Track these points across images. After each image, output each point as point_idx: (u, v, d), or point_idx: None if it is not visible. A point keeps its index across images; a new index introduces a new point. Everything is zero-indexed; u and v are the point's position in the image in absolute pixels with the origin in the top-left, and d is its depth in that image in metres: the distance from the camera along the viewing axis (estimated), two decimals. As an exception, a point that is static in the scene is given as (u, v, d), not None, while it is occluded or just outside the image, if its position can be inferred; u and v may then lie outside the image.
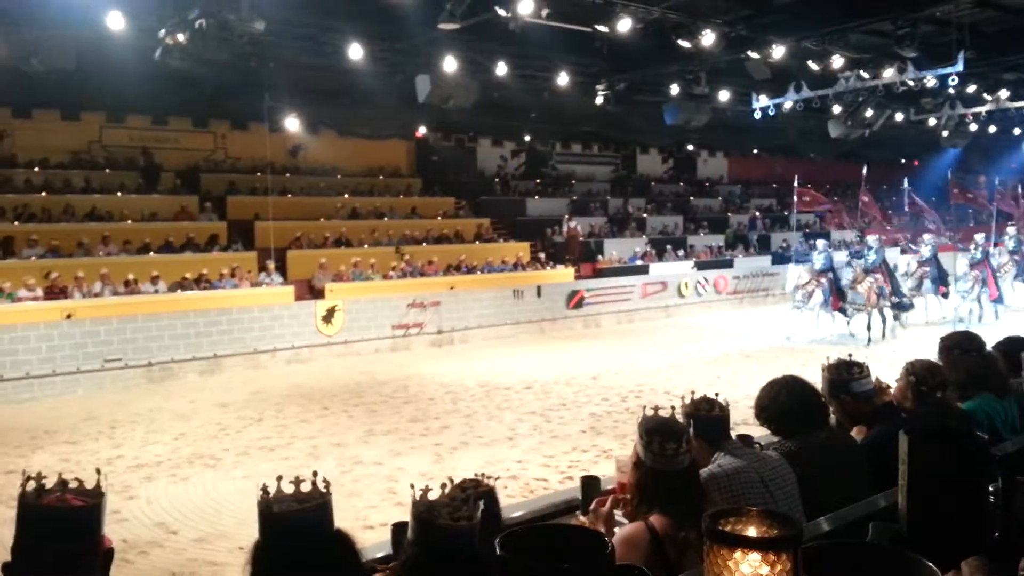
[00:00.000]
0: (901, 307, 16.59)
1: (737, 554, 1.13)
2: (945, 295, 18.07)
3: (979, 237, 19.41)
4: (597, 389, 12.08)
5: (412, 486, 2.06)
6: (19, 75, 12.22)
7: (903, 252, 24.97)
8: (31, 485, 1.91)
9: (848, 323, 16.34)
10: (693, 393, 3.11)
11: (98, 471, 1.98)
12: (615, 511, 3.06)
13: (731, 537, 1.14)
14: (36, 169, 18.28)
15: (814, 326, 16.42)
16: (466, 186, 24.36)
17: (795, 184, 21.67)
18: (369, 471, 8.35)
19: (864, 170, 25.25)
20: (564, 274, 20.42)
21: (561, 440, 9.40)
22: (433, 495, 2.06)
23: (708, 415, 3.02)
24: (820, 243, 18.12)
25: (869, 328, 15.74)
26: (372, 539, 2.24)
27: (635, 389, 12.01)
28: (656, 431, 2.55)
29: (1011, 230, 21.29)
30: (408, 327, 16.67)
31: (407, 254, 19.06)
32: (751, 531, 1.15)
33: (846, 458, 3.40)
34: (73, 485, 1.93)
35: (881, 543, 1.46)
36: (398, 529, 2.46)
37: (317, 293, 16.50)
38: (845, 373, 3.82)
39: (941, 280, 18.11)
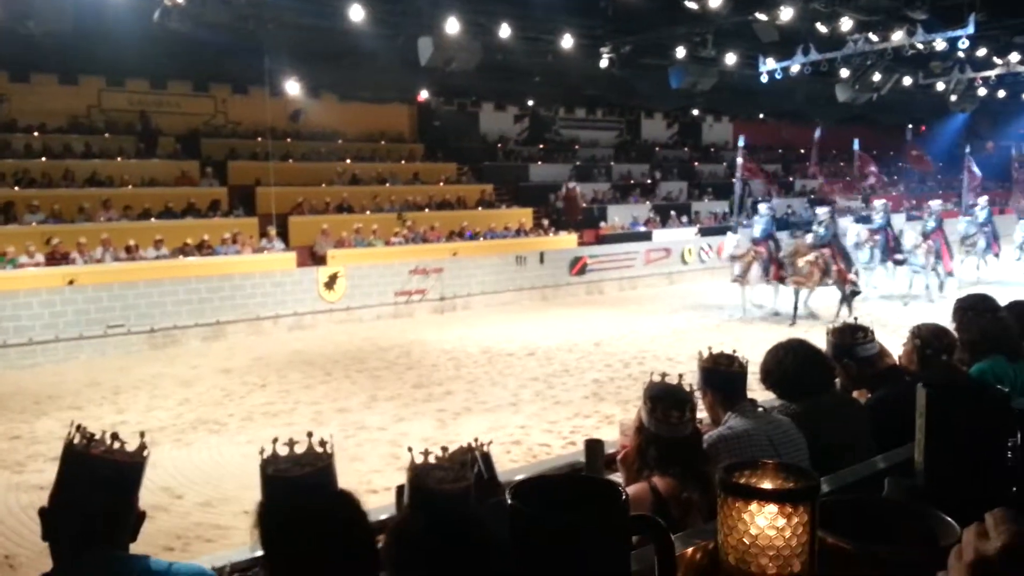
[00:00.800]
0: (853, 293, 14.84)
1: (753, 506, 1.08)
2: (898, 262, 16.85)
3: (934, 204, 18.19)
4: (600, 355, 12.07)
5: (410, 449, 2.04)
6: (16, 38, 12.06)
7: (909, 220, 24.66)
8: (79, 436, 1.91)
9: (776, 297, 15.18)
10: (711, 348, 3.07)
11: (142, 434, 1.98)
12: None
13: (746, 489, 1.10)
14: (35, 134, 18.15)
15: (754, 300, 15.37)
16: (468, 151, 24.18)
17: (740, 144, 19.71)
18: (373, 436, 8.37)
19: (857, 141, 24.59)
20: (567, 240, 20.34)
21: (564, 406, 9.40)
22: (433, 460, 2.04)
23: (727, 370, 2.98)
24: (763, 207, 16.14)
25: (795, 307, 14.49)
26: (376, 503, 2.22)
27: (637, 355, 12.00)
28: (661, 398, 2.51)
29: (981, 200, 19.97)
30: (410, 294, 16.65)
31: (409, 220, 18.97)
32: (767, 484, 1.11)
33: (850, 421, 3.38)
34: (117, 445, 1.93)
35: (898, 498, 1.42)
36: (400, 491, 2.45)
37: (319, 259, 16.45)
38: (850, 337, 3.78)
39: (895, 249, 16.90)
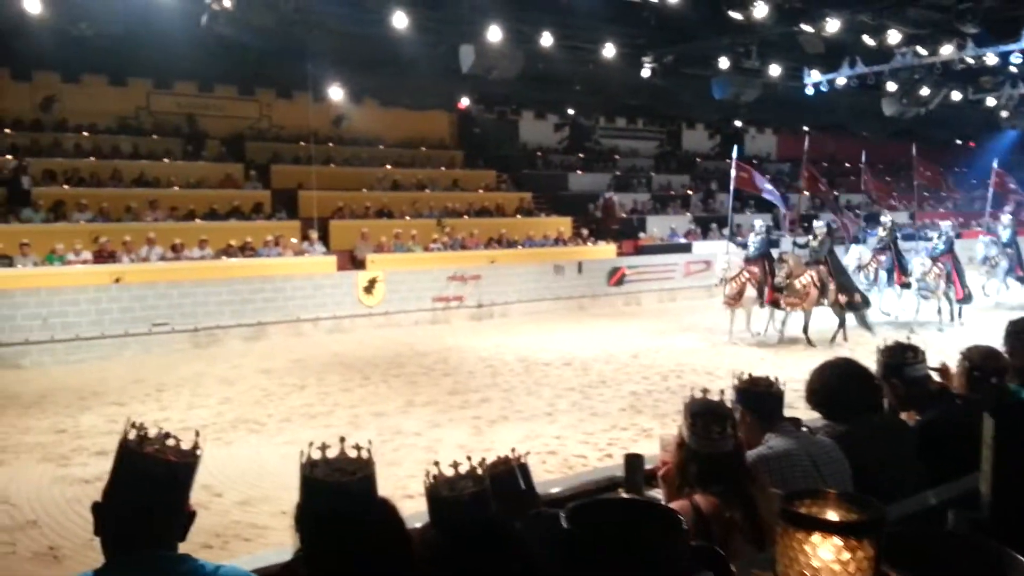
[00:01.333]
0: (852, 307, 13.82)
1: (815, 538, 1.06)
2: (905, 285, 15.72)
3: (945, 224, 16.62)
4: (637, 367, 11.99)
5: (426, 473, 2.05)
6: (68, 39, 12.37)
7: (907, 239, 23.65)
8: (133, 432, 1.94)
9: (770, 321, 14.21)
10: (750, 374, 3.04)
11: (196, 433, 2.02)
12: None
13: (809, 520, 1.07)
14: (85, 134, 18.60)
15: (747, 324, 14.30)
16: (508, 159, 24.24)
17: (734, 157, 18.31)
18: (409, 441, 8.40)
19: (864, 153, 23.55)
20: (605, 250, 20.26)
21: (600, 417, 9.35)
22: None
23: (765, 391, 2.95)
24: (758, 223, 15.10)
25: (805, 331, 13.45)
26: (411, 508, 2.23)
27: (675, 368, 11.89)
28: (701, 413, 2.50)
29: (1005, 218, 18.84)
30: (448, 300, 16.71)
31: (448, 227, 19.05)
32: (830, 514, 1.09)
33: (898, 443, 3.31)
34: (170, 443, 1.96)
35: (964, 532, 1.39)
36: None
37: (358, 263, 16.60)
38: (900, 357, 3.71)
39: (901, 270, 15.73)
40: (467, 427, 8.95)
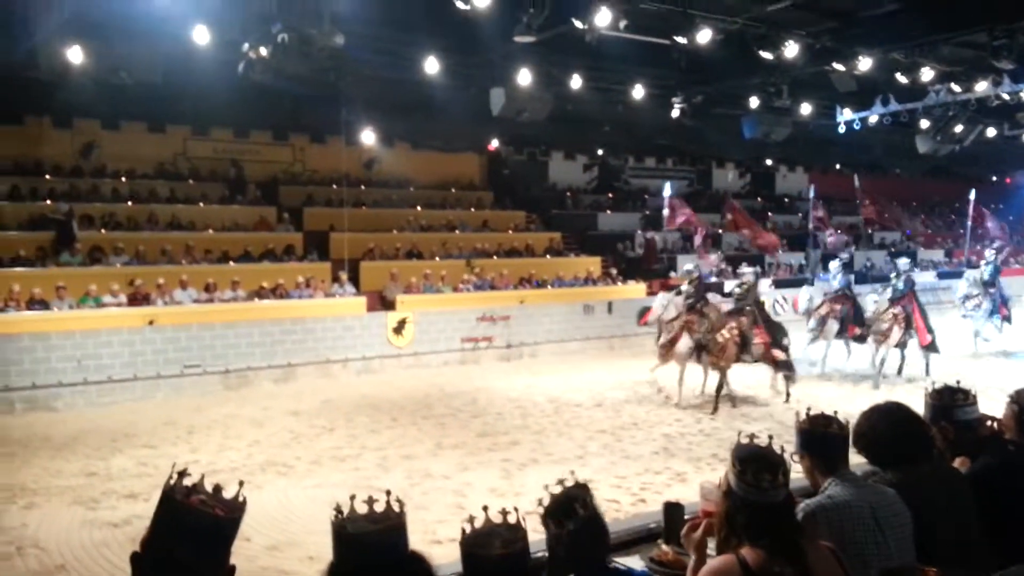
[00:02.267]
0: (780, 365, 12.45)
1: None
2: (858, 339, 14.16)
3: (902, 263, 14.83)
4: (669, 409, 11.79)
5: (462, 529, 2.14)
6: (109, 87, 12.64)
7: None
8: (181, 482, 1.87)
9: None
10: (809, 409, 2.92)
11: (240, 484, 1.94)
12: (708, 540, 2.89)
13: None
14: (123, 179, 18.96)
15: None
16: (537, 200, 24.30)
17: (666, 195, 17.64)
18: (438, 485, 8.28)
19: (857, 180, 22.73)
20: (635, 290, 20.11)
21: (633, 461, 9.16)
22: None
23: (824, 432, 2.82)
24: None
25: (718, 391, 11.98)
26: (440, 554, 2.17)
27: (709, 411, 11.66)
28: (751, 460, 2.37)
29: (989, 254, 17.60)
30: (477, 340, 16.64)
31: (478, 267, 19.06)
32: None
33: (952, 492, 3.16)
34: (218, 495, 1.89)
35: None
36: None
37: (388, 304, 16.62)
38: (949, 399, 3.58)
39: (855, 320, 14.12)
40: (497, 470, 8.81)
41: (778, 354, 12.24)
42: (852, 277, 15.45)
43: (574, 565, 2.41)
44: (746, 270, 13.50)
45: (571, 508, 2.39)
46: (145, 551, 1.85)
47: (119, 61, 12.07)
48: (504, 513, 2.20)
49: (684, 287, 12.78)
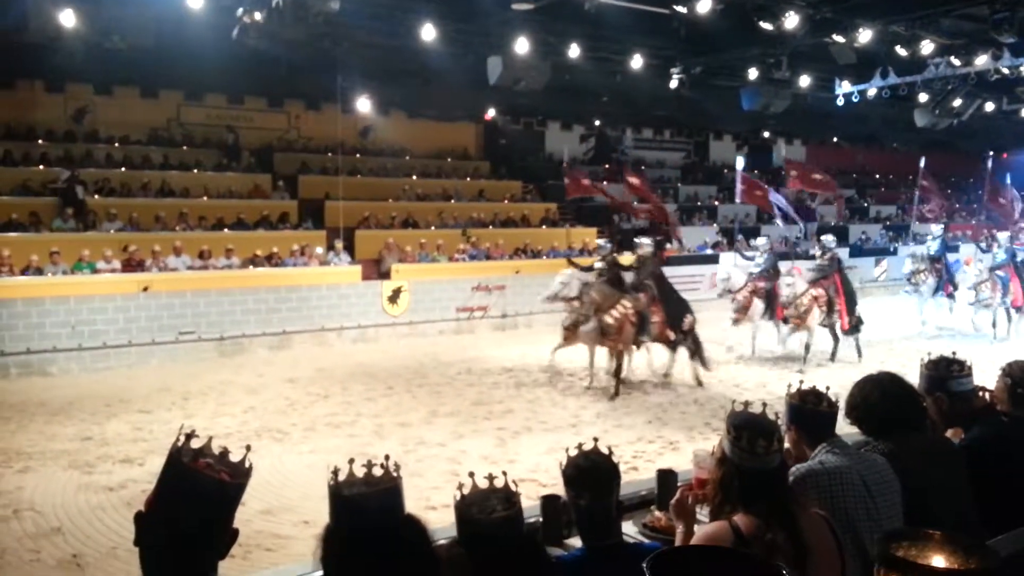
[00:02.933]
0: (674, 344, 11.50)
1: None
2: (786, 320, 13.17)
3: (827, 240, 13.81)
4: (662, 379, 11.83)
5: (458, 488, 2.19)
6: (101, 52, 12.52)
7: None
8: (188, 444, 1.86)
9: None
10: (802, 383, 2.94)
11: (248, 448, 1.93)
12: (697, 508, 2.92)
13: (914, 567, 0.96)
14: (116, 145, 18.82)
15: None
16: (534, 170, 24.20)
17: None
18: (432, 452, 8.33)
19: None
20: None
21: (626, 430, 9.22)
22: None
23: (814, 409, 2.85)
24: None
25: (616, 373, 11.06)
26: (435, 518, 2.19)
27: (703, 381, 11.72)
28: (746, 427, 2.39)
29: (936, 228, 16.64)
30: (472, 310, 16.65)
31: (474, 237, 19.02)
32: (936, 559, 0.97)
33: (944, 462, 3.18)
34: (226, 459, 1.88)
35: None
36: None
37: (383, 273, 16.60)
38: (944, 370, 3.60)
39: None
40: (491, 438, 8.87)
41: (670, 334, 11.26)
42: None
43: (583, 533, 2.46)
44: (644, 240, 12.32)
45: (592, 483, 2.45)
46: (149, 512, 1.85)
47: (111, 24, 11.95)
48: (491, 478, 2.22)
49: (597, 264, 11.86)
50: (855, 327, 13.29)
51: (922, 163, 17.86)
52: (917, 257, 15.81)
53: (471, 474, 2.26)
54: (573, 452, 2.58)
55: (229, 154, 19.94)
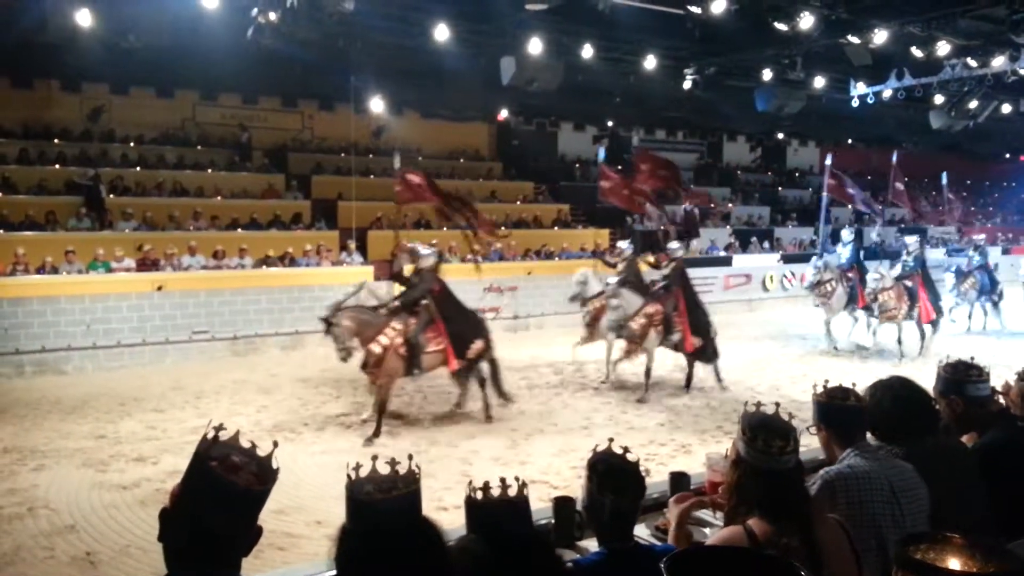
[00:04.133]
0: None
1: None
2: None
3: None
4: (675, 382, 11.79)
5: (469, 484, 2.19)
6: (118, 52, 12.60)
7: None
8: (215, 443, 1.86)
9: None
10: (827, 382, 2.91)
11: (275, 444, 1.92)
12: (704, 511, 2.92)
13: (932, 570, 0.95)
14: (132, 144, 18.94)
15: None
16: (546, 171, 24.19)
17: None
18: (444, 452, 8.34)
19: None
20: (642, 263, 20.00)
21: (638, 432, 9.19)
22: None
23: (842, 404, 2.82)
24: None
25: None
26: (447, 519, 2.18)
27: (714, 384, 11.66)
28: (761, 427, 2.37)
29: (845, 233, 15.25)
30: (484, 311, 16.61)
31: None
32: (955, 563, 0.96)
33: (958, 466, 3.16)
34: (253, 467, 1.87)
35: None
36: (469, 510, 2.44)
37: (396, 274, 16.55)
38: (962, 373, 3.56)
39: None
40: (503, 439, 8.86)
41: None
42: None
43: (604, 534, 2.45)
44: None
45: (625, 482, 2.49)
46: (174, 509, 1.86)
47: (127, 24, 12.02)
48: (505, 486, 2.23)
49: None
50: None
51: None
52: (821, 267, 14.03)
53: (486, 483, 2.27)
54: (601, 450, 2.57)
55: (242, 154, 20.02)
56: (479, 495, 2.15)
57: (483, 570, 1.90)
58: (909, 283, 13.66)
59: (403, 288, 10.30)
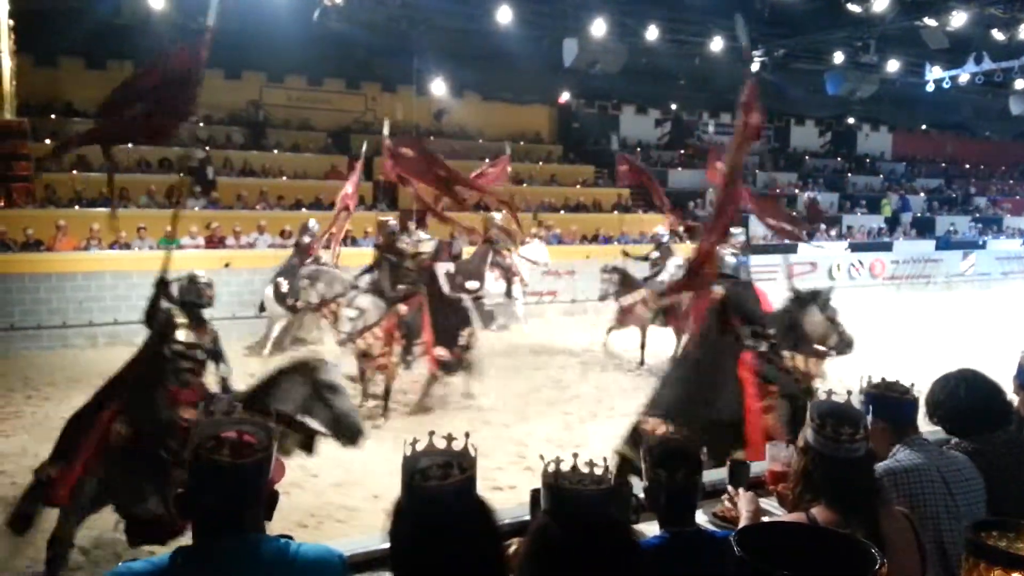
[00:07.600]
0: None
1: (997, 573, 0.91)
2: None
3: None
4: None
5: (541, 456, 2.07)
6: (187, 34, 12.89)
7: None
8: (207, 431, 1.99)
9: None
10: (883, 378, 2.85)
11: (269, 413, 2.00)
12: (768, 501, 2.88)
13: (1005, 555, 0.93)
14: (201, 125, 19.39)
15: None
16: (607, 155, 23.97)
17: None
18: (498, 433, 8.38)
19: None
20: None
21: (695, 419, 9.09)
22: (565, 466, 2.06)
23: (900, 398, 2.75)
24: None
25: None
26: (500, 500, 2.18)
27: (776, 372, 11.46)
28: (830, 414, 2.32)
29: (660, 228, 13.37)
30: (542, 294, 16.63)
31: (545, 221, 18.99)
32: (1023, 548, 0.94)
33: (1028, 461, 3.04)
34: (245, 439, 1.98)
35: None
36: (535, 497, 2.43)
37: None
38: None
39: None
40: (558, 422, 8.87)
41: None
42: None
43: (668, 516, 2.43)
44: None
45: (683, 460, 2.42)
46: (186, 492, 1.99)
47: (197, 7, 12.28)
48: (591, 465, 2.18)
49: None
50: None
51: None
52: (610, 268, 12.28)
53: (540, 456, 2.23)
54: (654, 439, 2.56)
55: (256, 131, 20.32)
56: (565, 482, 2.02)
57: (555, 554, 1.90)
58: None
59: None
